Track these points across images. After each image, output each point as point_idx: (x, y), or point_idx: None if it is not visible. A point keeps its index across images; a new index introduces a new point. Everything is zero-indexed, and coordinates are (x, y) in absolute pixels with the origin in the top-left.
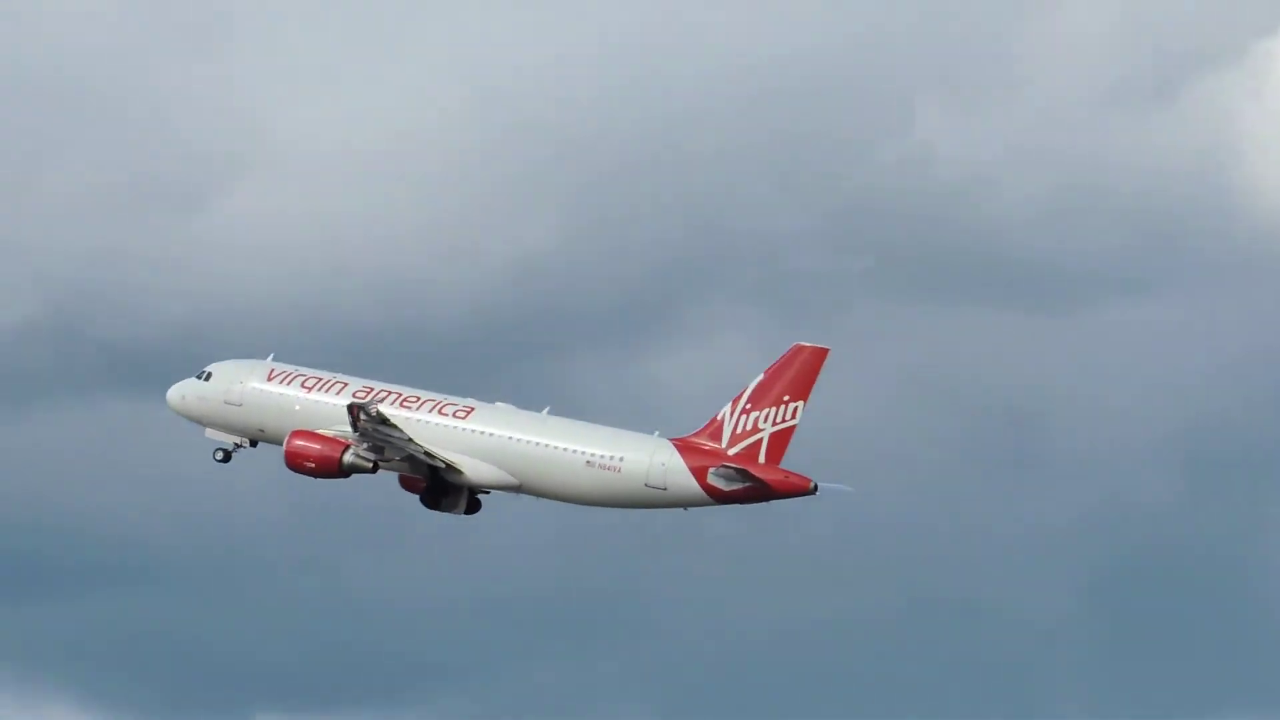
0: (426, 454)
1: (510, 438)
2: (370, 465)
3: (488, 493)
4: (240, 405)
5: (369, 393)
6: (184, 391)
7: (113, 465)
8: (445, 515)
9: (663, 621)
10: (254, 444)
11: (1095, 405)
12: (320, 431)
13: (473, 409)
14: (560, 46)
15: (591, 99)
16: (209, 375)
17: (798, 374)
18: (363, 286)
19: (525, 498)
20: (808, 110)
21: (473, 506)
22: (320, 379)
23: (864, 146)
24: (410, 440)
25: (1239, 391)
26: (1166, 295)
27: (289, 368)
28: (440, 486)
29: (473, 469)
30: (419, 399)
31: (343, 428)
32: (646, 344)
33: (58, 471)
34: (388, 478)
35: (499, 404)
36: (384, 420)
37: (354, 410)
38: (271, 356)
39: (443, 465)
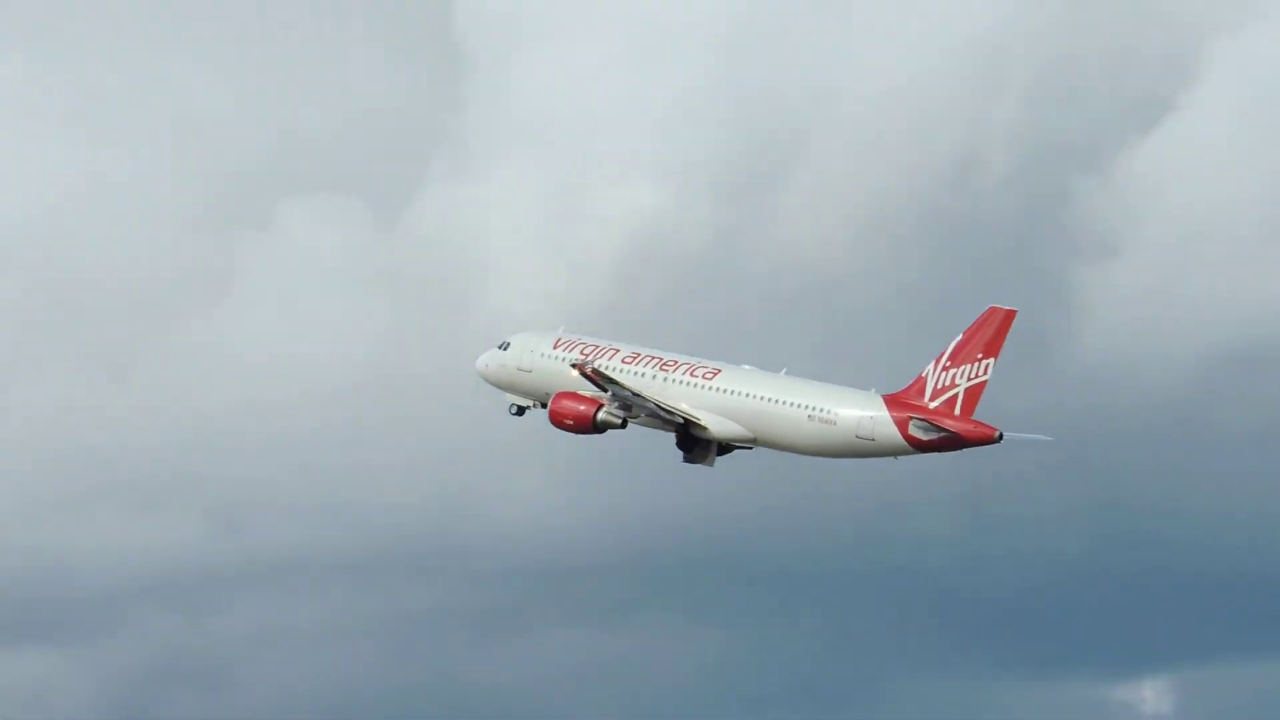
0: (662, 409)
1: (746, 394)
2: (620, 421)
3: (744, 447)
4: (530, 371)
5: (634, 358)
6: (487, 360)
7: None
8: (696, 465)
9: None
10: (544, 405)
11: None
12: (581, 393)
13: (720, 370)
14: None
15: None
16: (507, 345)
17: (992, 334)
18: None
19: (762, 450)
20: None
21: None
22: (598, 346)
23: None
24: (637, 395)
25: None
26: None
27: (573, 337)
28: (689, 441)
29: (715, 423)
30: (676, 363)
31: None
32: None
33: None
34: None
35: (745, 366)
36: (606, 378)
37: (578, 368)
38: (562, 328)
39: (680, 420)
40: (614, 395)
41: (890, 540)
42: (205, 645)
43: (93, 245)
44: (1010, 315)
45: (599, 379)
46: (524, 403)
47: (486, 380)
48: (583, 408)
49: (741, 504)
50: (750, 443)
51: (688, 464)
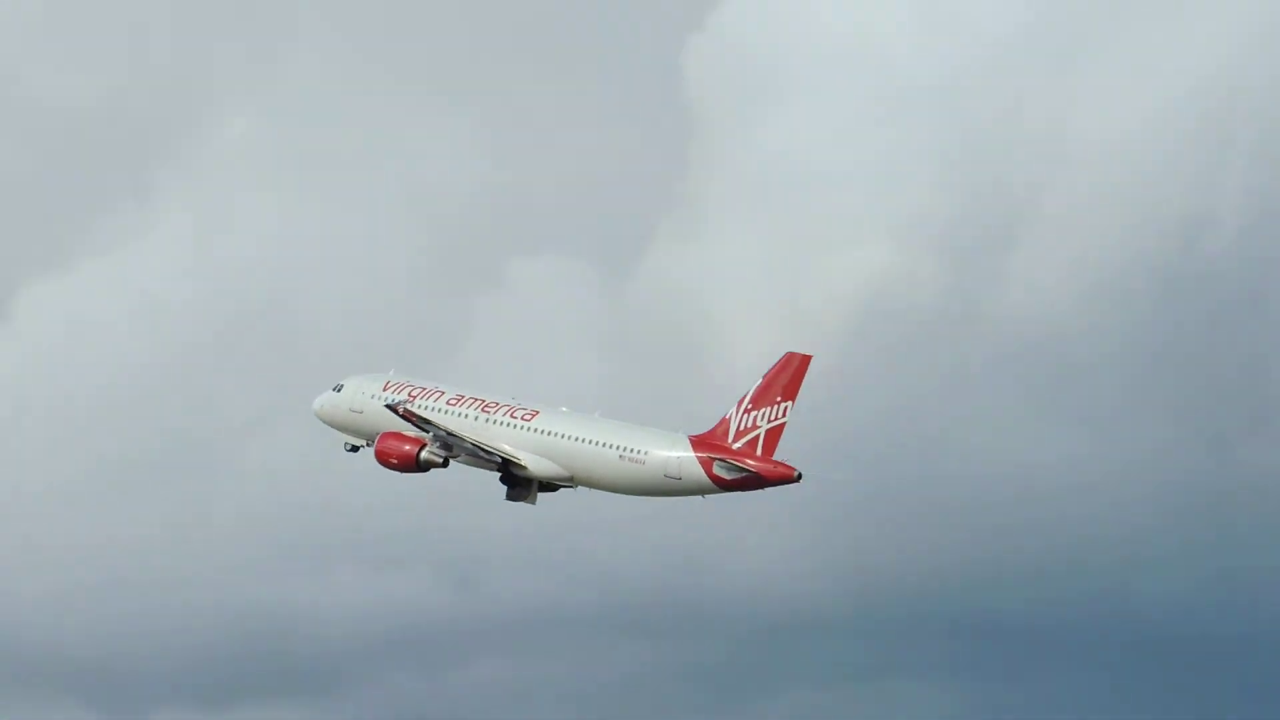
0: (480, 448)
1: (561, 435)
2: (441, 460)
3: (561, 487)
4: (361, 412)
5: (459, 400)
6: (322, 402)
7: None
8: (518, 504)
9: None
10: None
11: None
12: (405, 433)
13: (538, 412)
14: None
15: None
16: (340, 387)
17: (789, 378)
18: None
19: (581, 489)
20: None
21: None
22: (425, 389)
23: None
24: (453, 434)
25: None
26: None
27: (402, 380)
28: (511, 479)
29: (533, 462)
30: (497, 405)
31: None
32: None
33: None
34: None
35: (562, 408)
36: (420, 418)
37: (393, 408)
38: (392, 370)
39: (499, 459)
40: (434, 435)
41: None
42: (443, 700)
43: (326, 305)
44: (806, 360)
45: (413, 419)
46: (357, 442)
47: (321, 420)
48: (406, 447)
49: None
50: (569, 481)
51: (510, 501)
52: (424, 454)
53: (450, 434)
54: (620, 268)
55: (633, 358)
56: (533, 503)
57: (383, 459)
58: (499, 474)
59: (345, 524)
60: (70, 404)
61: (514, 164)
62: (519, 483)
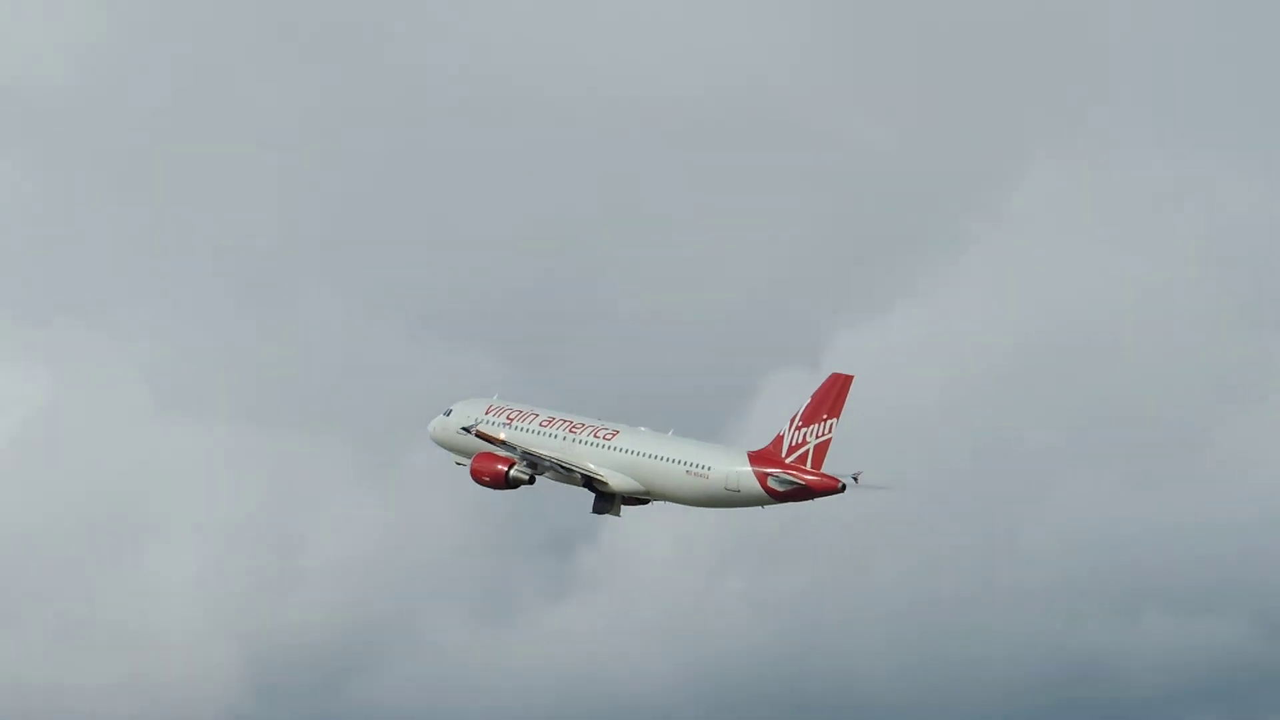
0: (561, 465)
1: (637, 452)
2: (528, 478)
3: (644, 502)
4: (467, 435)
5: (550, 422)
6: (434, 425)
7: None
8: (604, 516)
9: None
10: None
11: None
12: (497, 453)
13: (618, 432)
14: None
15: None
16: (450, 412)
17: (834, 398)
18: None
19: (656, 502)
20: None
21: None
22: (521, 412)
23: None
24: (528, 452)
25: None
26: None
27: (504, 404)
28: (598, 494)
29: (613, 478)
30: (584, 425)
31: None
32: None
33: None
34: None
35: (641, 428)
36: (488, 437)
37: (469, 429)
38: (496, 396)
39: (580, 476)
40: (521, 455)
41: None
42: None
43: (1136, 348)
44: (848, 380)
45: (484, 437)
46: (464, 460)
47: (434, 441)
48: (498, 466)
49: None
50: (645, 494)
51: (596, 513)
52: (513, 472)
53: (526, 452)
54: None
55: None
56: (617, 514)
57: (476, 477)
58: (588, 490)
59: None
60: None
61: None
62: (605, 497)
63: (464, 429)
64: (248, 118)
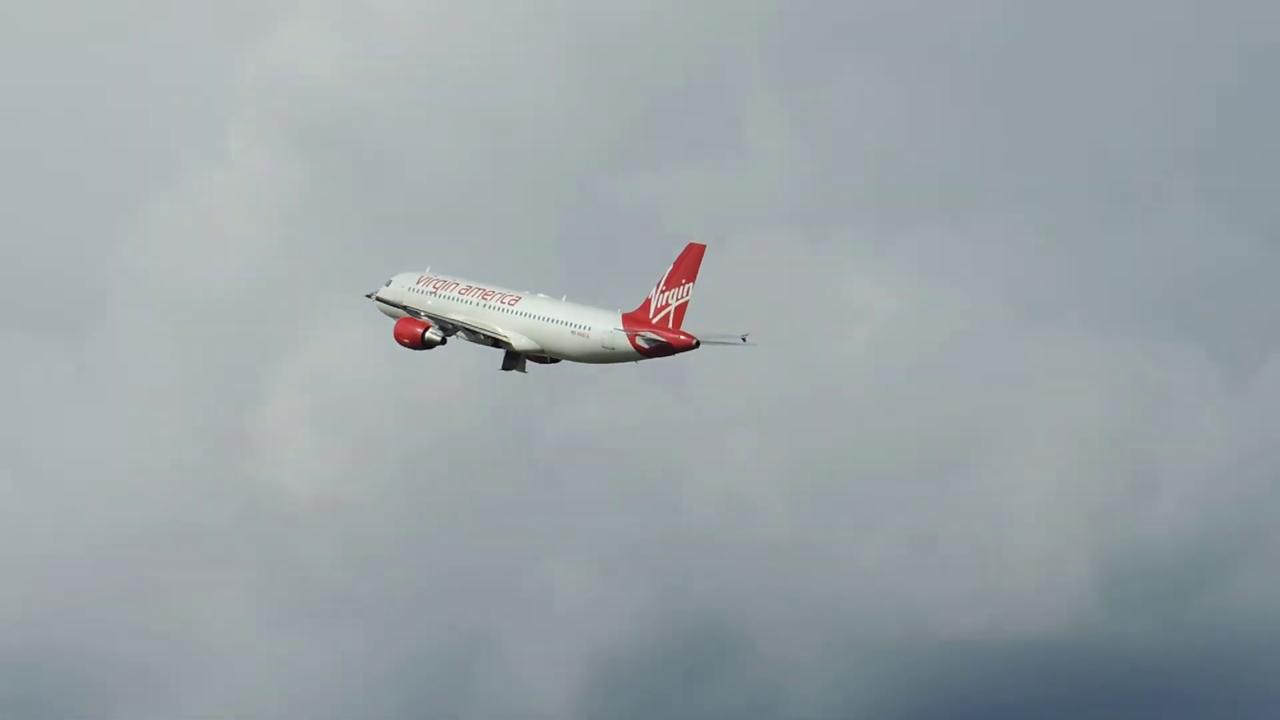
0: (466, 327)
1: (533, 315)
2: (441, 339)
3: (553, 361)
4: (401, 302)
5: (468, 290)
6: (372, 291)
7: None
8: (512, 371)
9: None
10: None
11: None
12: (415, 318)
13: (520, 298)
14: None
15: None
16: (390, 282)
17: (690, 264)
18: None
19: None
20: None
21: None
22: (445, 282)
23: None
24: (432, 315)
25: None
26: None
27: (434, 275)
28: (506, 353)
29: (515, 339)
30: (493, 293)
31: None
32: None
33: None
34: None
35: (540, 294)
36: (388, 302)
37: (371, 295)
38: (428, 268)
39: (485, 336)
40: (433, 319)
41: None
42: None
43: None
44: (702, 249)
45: (385, 302)
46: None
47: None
48: (416, 329)
49: None
50: (542, 353)
51: (504, 370)
52: (427, 334)
53: (434, 316)
54: None
55: None
56: (523, 370)
57: (398, 338)
58: (498, 349)
59: None
60: None
61: None
62: (512, 355)
63: (367, 295)
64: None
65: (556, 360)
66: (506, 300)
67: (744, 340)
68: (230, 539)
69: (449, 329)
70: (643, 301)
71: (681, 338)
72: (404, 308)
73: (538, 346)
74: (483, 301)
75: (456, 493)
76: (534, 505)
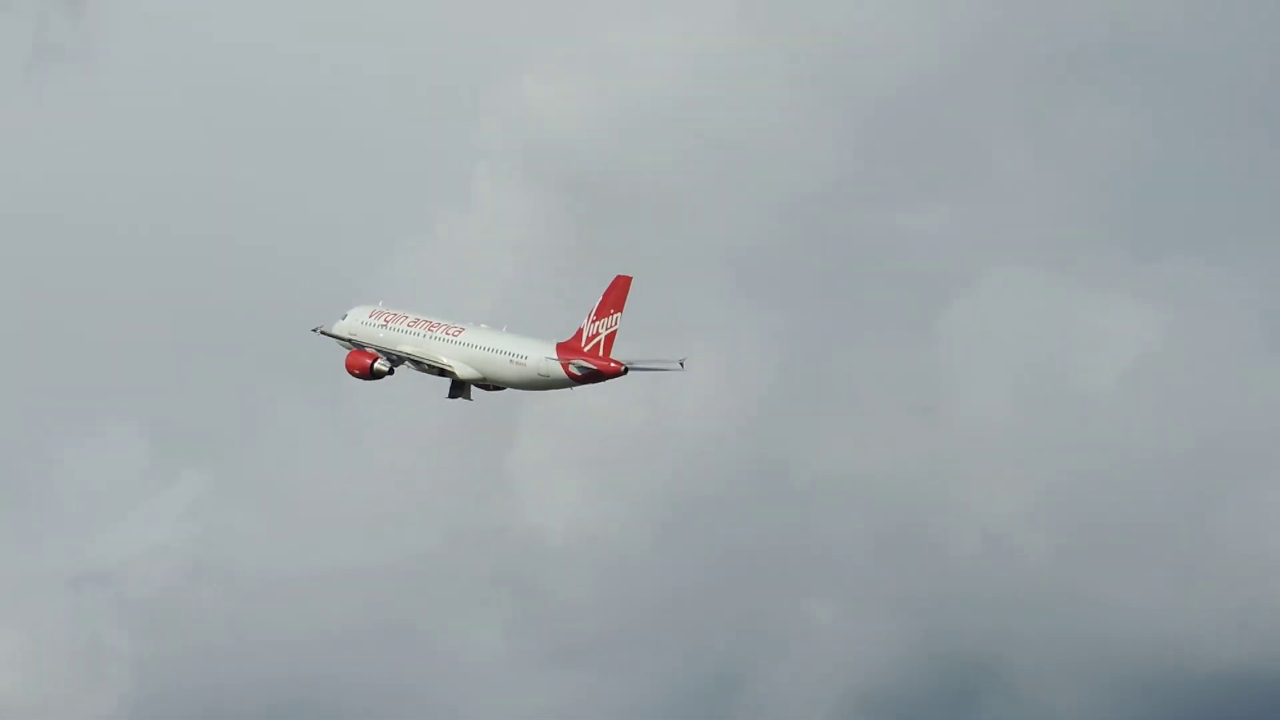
0: (411, 358)
1: (474, 345)
2: (389, 369)
3: (497, 388)
4: (354, 335)
5: (415, 323)
6: (325, 326)
7: None
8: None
9: None
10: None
11: None
12: (365, 349)
13: (464, 329)
14: None
15: None
16: (345, 315)
17: (619, 295)
18: None
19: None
20: None
21: None
22: (395, 315)
23: None
24: (380, 349)
25: None
26: None
27: (385, 309)
28: (453, 382)
29: (458, 368)
30: (439, 324)
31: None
32: None
33: None
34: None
35: (482, 325)
36: (331, 335)
37: (318, 329)
38: (380, 303)
39: (429, 367)
40: (378, 350)
41: None
42: None
43: None
44: (628, 280)
45: (330, 336)
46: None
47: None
48: (365, 360)
49: None
50: (484, 381)
51: (450, 398)
52: (375, 365)
53: (382, 349)
54: None
55: None
56: (469, 398)
57: (349, 368)
58: (444, 378)
59: None
60: None
61: None
62: (458, 384)
63: (313, 330)
64: None
65: (501, 388)
66: (451, 331)
67: (681, 365)
68: (486, 579)
69: (395, 360)
70: (575, 331)
71: (611, 365)
72: (352, 341)
73: (480, 375)
74: (429, 333)
75: (712, 534)
76: (789, 548)
